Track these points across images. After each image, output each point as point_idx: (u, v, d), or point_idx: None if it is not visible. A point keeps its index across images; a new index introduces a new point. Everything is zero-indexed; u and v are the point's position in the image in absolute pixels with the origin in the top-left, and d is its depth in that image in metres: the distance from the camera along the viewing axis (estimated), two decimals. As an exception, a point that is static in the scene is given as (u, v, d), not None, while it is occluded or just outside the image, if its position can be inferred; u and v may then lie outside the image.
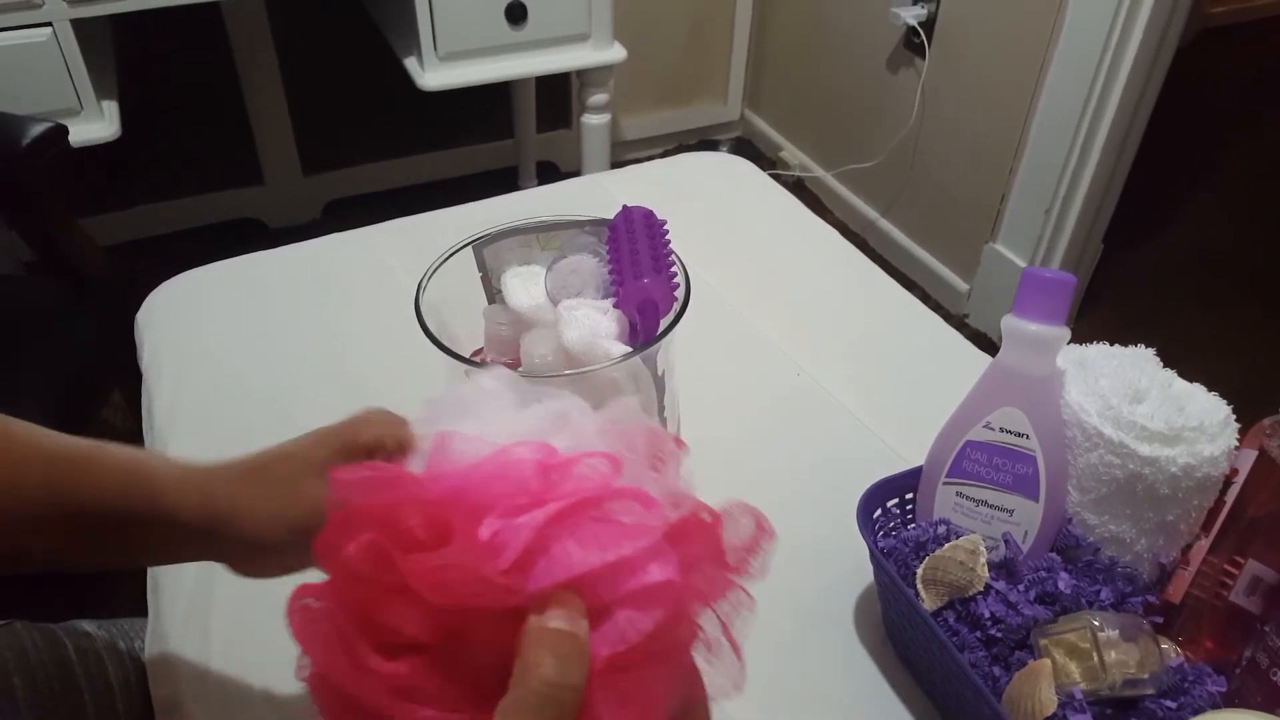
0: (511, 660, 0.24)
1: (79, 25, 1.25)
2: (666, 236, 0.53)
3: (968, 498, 0.51)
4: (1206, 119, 2.57)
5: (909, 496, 0.54)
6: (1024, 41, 1.58)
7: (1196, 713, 0.44)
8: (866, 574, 0.56)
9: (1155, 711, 0.44)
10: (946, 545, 0.49)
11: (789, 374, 0.71)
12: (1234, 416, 0.49)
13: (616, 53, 1.58)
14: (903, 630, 0.50)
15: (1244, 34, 3.02)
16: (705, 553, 0.26)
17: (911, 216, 1.96)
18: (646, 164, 1.00)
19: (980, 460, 0.50)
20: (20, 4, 1.21)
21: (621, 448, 0.26)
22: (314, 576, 0.27)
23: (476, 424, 0.26)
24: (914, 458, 0.54)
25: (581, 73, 1.61)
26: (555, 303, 0.52)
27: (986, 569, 0.48)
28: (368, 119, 2.06)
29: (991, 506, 0.51)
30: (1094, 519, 0.50)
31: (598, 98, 1.64)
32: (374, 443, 0.36)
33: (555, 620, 0.23)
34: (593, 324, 0.49)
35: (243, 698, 0.49)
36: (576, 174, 1.65)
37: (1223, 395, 0.50)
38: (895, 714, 0.50)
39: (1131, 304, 1.93)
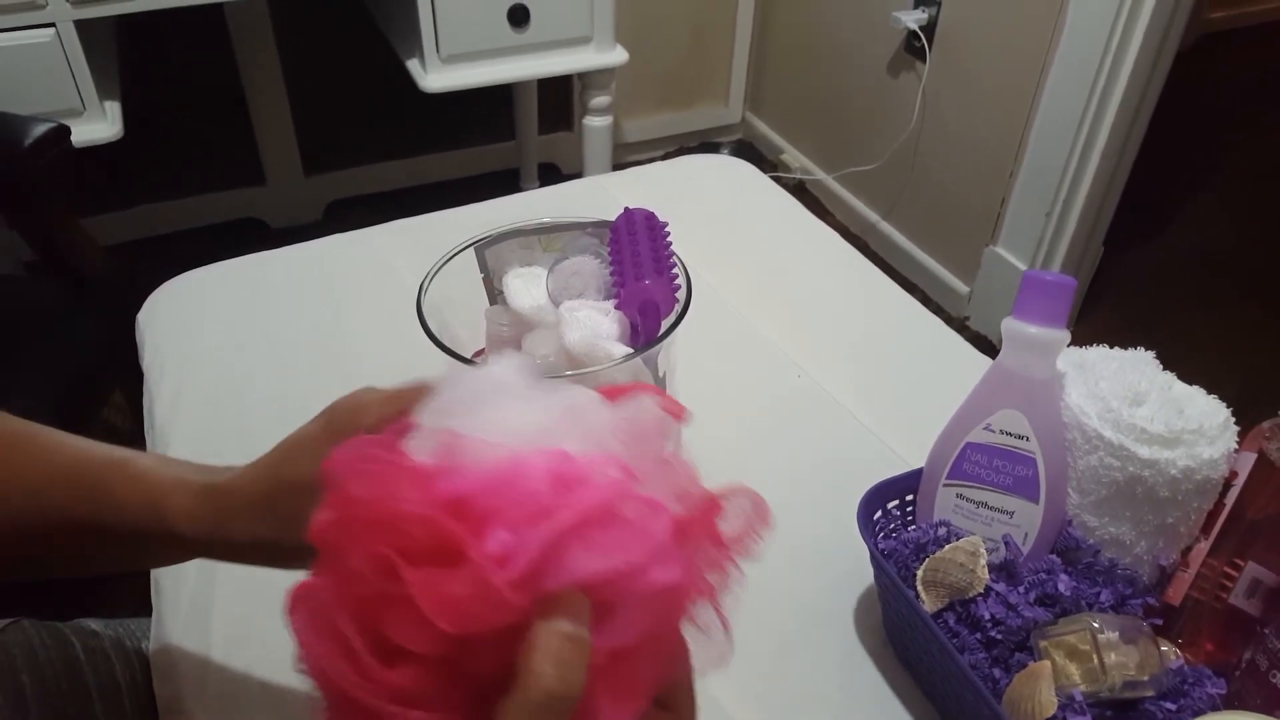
0: (514, 663, 0.23)
1: (82, 26, 1.26)
2: (668, 238, 0.53)
3: (968, 499, 0.51)
4: (1206, 122, 2.57)
5: (909, 498, 0.54)
6: (1025, 45, 1.58)
7: (1196, 715, 0.44)
8: (866, 575, 0.56)
9: (1155, 713, 0.44)
10: (947, 547, 0.49)
11: (790, 375, 0.71)
12: (1234, 419, 0.50)
13: (618, 55, 1.58)
14: (903, 632, 0.50)
15: (1243, 38, 3.03)
16: (704, 535, 0.26)
17: (912, 219, 1.97)
18: (648, 166, 1.00)
19: (980, 462, 0.51)
20: (24, 4, 1.21)
21: (633, 443, 0.26)
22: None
23: (486, 416, 0.26)
24: (914, 459, 0.54)
25: (583, 75, 1.61)
26: (557, 304, 0.52)
27: (987, 571, 0.48)
28: (369, 120, 2.06)
29: (992, 508, 0.51)
30: (1094, 521, 0.50)
31: (599, 100, 1.64)
32: (378, 419, 0.34)
33: (561, 625, 0.23)
34: (594, 325, 0.50)
35: (244, 697, 0.49)
36: (578, 176, 1.65)
37: (1223, 398, 0.50)
38: (895, 715, 0.50)
39: (1132, 306, 1.94)
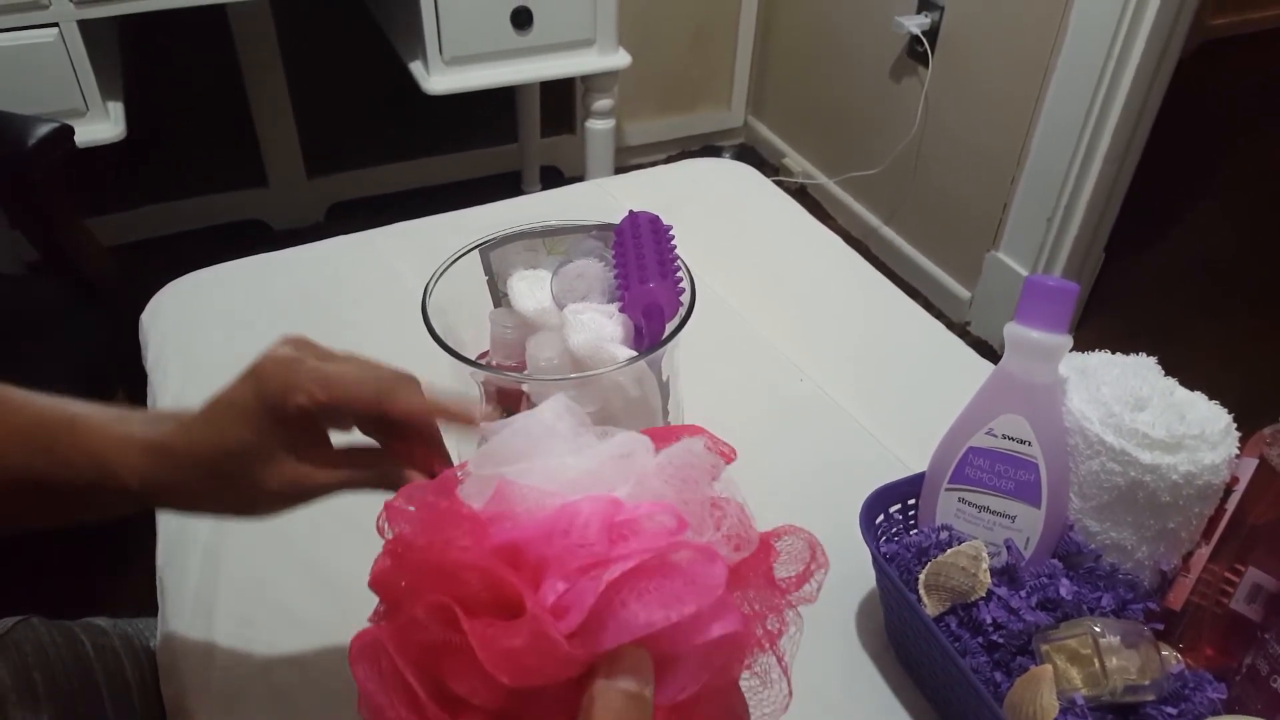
0: (573, 715, 0.23)
1: (85, 26, 1.26)
2: (672, 241, 0.54)
3: (970, 504, 0.51)
4: (1208, 128, 2.57)
5: (911, 502, 0.54)
6: (1027, 51, 1.58)
7: (1197, 719, 0.44)
8: (868, 579, 0.56)
9: (1156, 718, 0.45)
10: (949, 551, 0.49)
11: (792, 379, 0.72)
12: (1235, 425, 0.50)
13: (621, 58, 1.58)
14: (905, 635, 0.51)
15: (1245, 44, 3.03)
16: (759, 580, 0.26)
17: (914, 224, 1.97)
18: (651, 169, 1.01)
19: (983, 467, 0.51)
20: (27, 4, 1.22)
21: (683, 487, 0.26)
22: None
23: (537, 461, 0.26)
24: (916, 464, 0.55)
25: (586, 78, 1.61)
26: (561, 307, 0.52)
27: (988, 575, 0.48)
28: (371, 122, 2.06)
29: (994, 513, 0.51)
30: (1095, 526, 0.50)
31: (602, 103, 1.64)
32: (298, 413, 0.35)
33: (623, 682, 0.23)
34: (598, 328, 0.50)
35: (246, 696, 0.49)
36: (580, 179, 1.65)
37: (1224, 403, 0.51)
38: (896, 718, 0.50)
39: (1133, 312, 1.94)
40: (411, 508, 0.25)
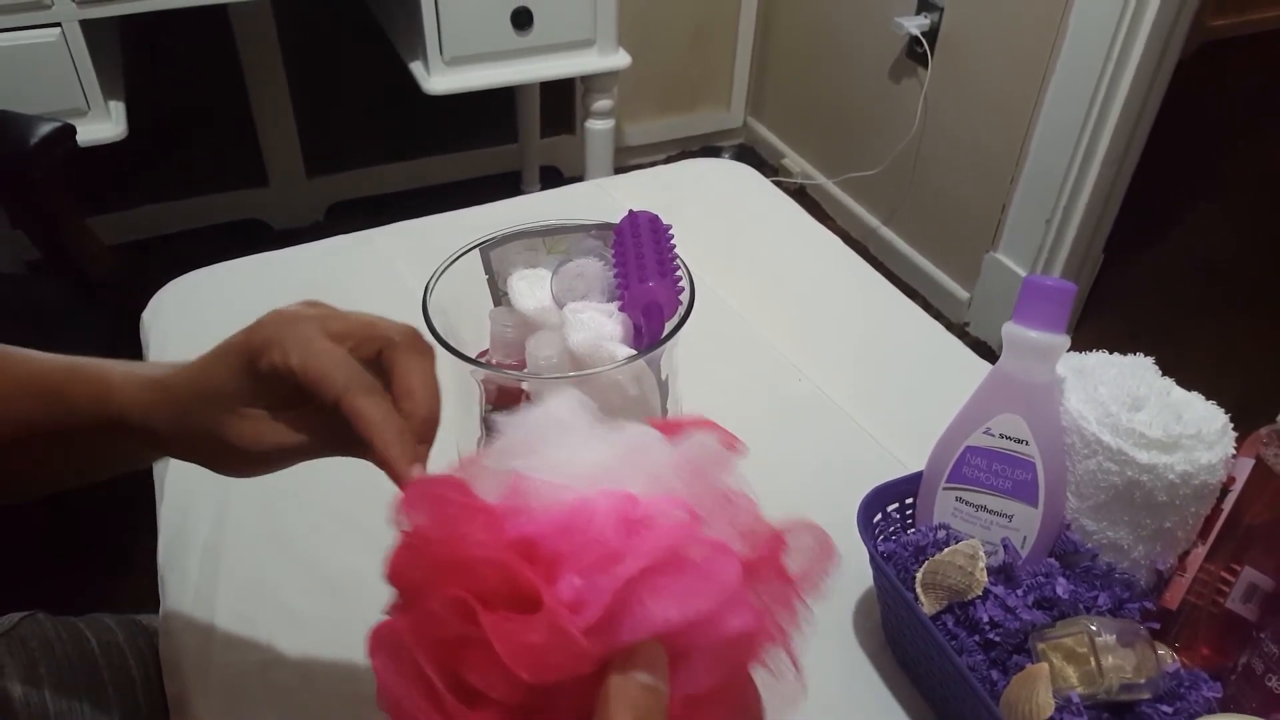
0: (590, 709, 0.24)
1: (87, 26, 1.26)
2: (672, 241, 0.54)
3: (967, 503, 0.52)
4: (1208, 129, 2.58)
5: (909, 501, 0.55)
6: (1026, 52, 1.59)
7: (1192, 718, 0.45)
8: (866, 578, 0.56)
9: (1151, 716, 0.45)
10: (946, 550, 0.50)
11: (790, 379, 0.72)
12: (1232, 425, 0.50)
13: (621, 59, 1.59)
14: (902, 634, 0.51)
15: (1245, 46, 3.04)
16: (771, 574, 0.26)
17: (913, 225, 1.97)
18: (650, 169, 1.01)
19: (980, 466, 0.51)
20: (30, 4, 1.22)
21: (695, 481, 0.26)
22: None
23: (550, 456, 0.26)
24: (914, 463, 0.55)
25: (586, 78, 1.62)
26: (561, 306, 0.52)
27: (985, 574, 0.48)
28: (371, 122, 2.07)
29: (991, 512, 0.51)
30: (1092, 525, 0.50)
31: (602, 103, 1.65)
32: (270, 370, 0.34)
33: (639, 676, 0.23)
34: (598, 327, 0.50)
35: (246, 692, 0.49)
36: (579, 179, 1.65)
37: (1221, 404, 0.51)
38: (893, 717, 0.50)
39: (1131, 313, 1.94)
40: (425, 502, 0.26)
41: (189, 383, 0.37)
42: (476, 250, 0.55)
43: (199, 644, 0.52)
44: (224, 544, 0.57)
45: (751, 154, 2.42)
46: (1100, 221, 1.69)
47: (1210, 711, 0.45)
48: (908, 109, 1.85)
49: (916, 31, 1.75)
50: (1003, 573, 0.50)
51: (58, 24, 1.24)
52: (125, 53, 1.53)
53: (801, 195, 2.23)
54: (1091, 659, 0.44)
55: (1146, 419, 0.48)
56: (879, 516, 0.54)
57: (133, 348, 0.77)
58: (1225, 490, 0.50)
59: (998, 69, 1.66)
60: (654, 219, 0.54)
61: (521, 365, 0.52)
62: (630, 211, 0.55)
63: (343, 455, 0.37)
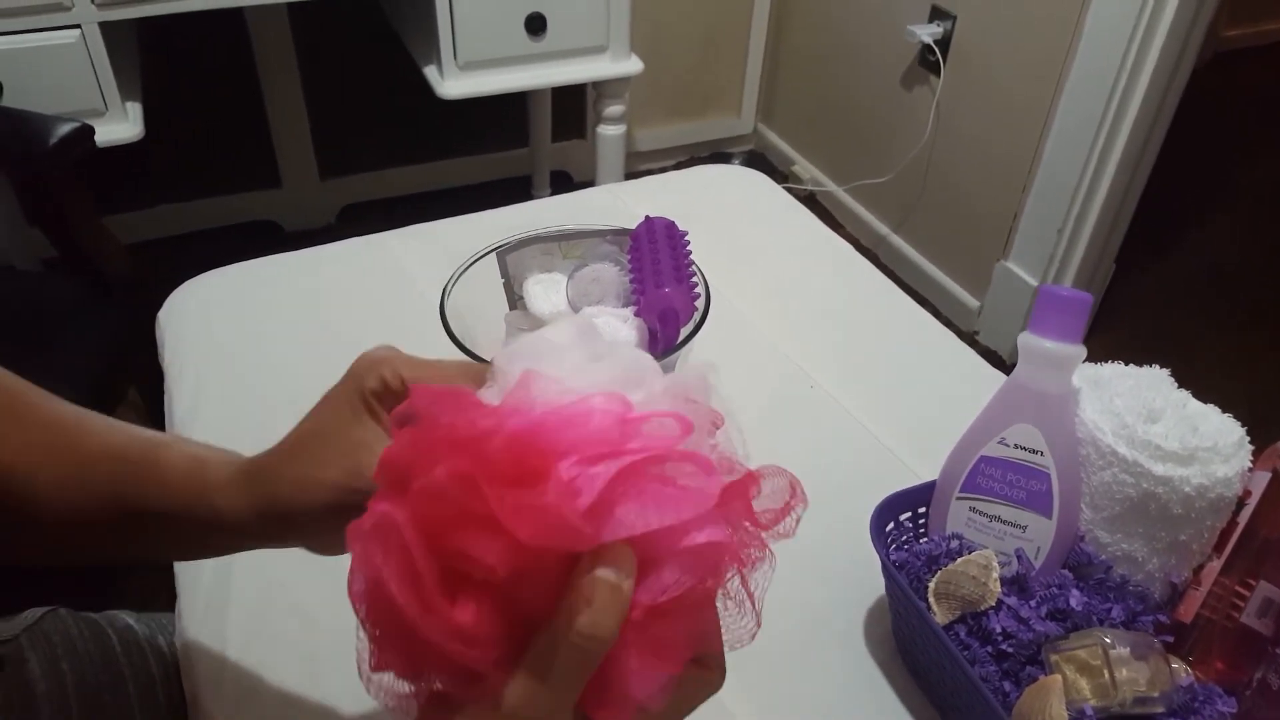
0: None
1: (106, 28, 1.27)
2: (688, 247, 0.54)
3: (981, 513, 0.52)
4: (1221, 139, 2.57)
5: (921, 511, 0.55)
6: (1039, 61, 1.58)
7: (1207, 732, 0.44)
8: (878, 587, 0.56)
9: (1165, 730, 0.45)
10: (959, 560, 0.50)
11: (802, 386, 0.72)
12: (1248, 438, 0.50)
13: (633, 65, 1.59)
14: (913, 643, 0.51)
15: (1258, 56, 3.03)
16: (741, 509, 0.27)
17: (923, 233, 1.97)
18: (662, 175, 1.01)
19: (994, 476, 0.51)
20: (50, 6, 1.23)
21: (685, 407, 0.27)
22: None
23: (549, 372, 0.27)
24: (926, 472, 0.55)
25: (598, 84, 1.62)
26: (576, 310, 0.53)
27: (999, 584, 0.48)
28: (384, 125, 2.08)
29: (1005, 522, 0.51)
30: (1107, 537, 0.50)
31: (614, 109, 1.65)
32: (380, 386, 0.34)
33: (604, 573, 0.24)
34: (613, 332, 0.50)
35: (259, 694, 0.50)
36: (590, 183, 1.66)
37: (1236, 417, 0.51)
38: (905, 727, 0.50)
39: (1144, 324, 1.93)
40: (428, 399, 0.26)
41: (293, 436, 0.35)
42: (493, 254, 0.55)
43: (213, 644, 0.52)
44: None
45: (762, 160, 2.43)
46: (1112, 231, 1.69)
47: (1225, 726, 0.45)
48: (919, 117, 1.85)
49: (929, 40, 1.75)
50: (1016, 583, 0.50)
51: (77, 25, 1.25)
52: (143, 54, 1.54)
53: (812, 202, 2.23)
54: (1105, 671, 0.44)
55: (1162, 431, 0.48)
56: (891, 525, 0.54)
57: (144, 347, 0.77)
58: (1241, 504, 0.49)
59: (1010, 78, 1.66)
60: (671, 225, 0.55)
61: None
62: (647, 217, 0.55)
63: None
